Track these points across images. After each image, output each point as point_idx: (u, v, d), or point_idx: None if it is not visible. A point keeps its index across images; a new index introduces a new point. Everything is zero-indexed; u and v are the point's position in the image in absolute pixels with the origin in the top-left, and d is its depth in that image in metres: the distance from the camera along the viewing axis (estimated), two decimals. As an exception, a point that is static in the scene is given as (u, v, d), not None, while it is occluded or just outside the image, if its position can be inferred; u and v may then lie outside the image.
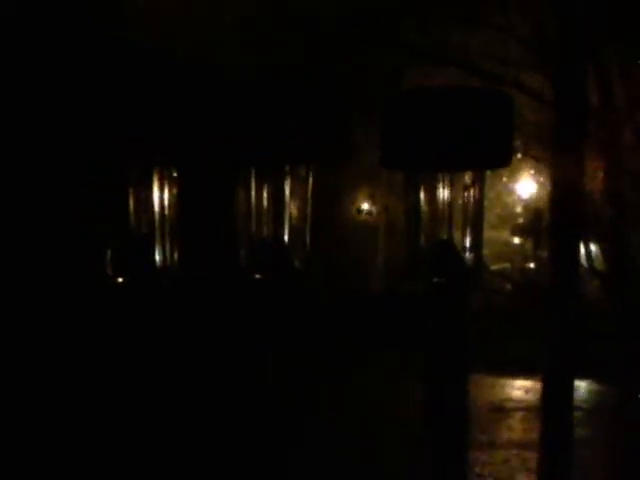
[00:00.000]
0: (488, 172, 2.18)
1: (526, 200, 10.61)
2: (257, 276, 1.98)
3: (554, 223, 5.33)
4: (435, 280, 2.01)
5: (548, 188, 10.63)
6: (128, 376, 1.93)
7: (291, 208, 2.03)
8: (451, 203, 2.09)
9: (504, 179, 10.28)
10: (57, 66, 2.08)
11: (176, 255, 2.01)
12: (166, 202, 2.03)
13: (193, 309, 1.96)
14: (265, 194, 2.03)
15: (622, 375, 7.82)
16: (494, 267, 10.03)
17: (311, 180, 2.08)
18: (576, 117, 5.15)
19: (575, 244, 5.46)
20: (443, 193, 2.11)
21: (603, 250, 8.91)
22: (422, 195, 2.11)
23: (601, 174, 8.40)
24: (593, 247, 9.02)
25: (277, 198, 2.03)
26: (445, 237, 2.06)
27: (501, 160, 2.09)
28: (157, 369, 1.95)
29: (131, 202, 1.98)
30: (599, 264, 8.84)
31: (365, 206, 8.84)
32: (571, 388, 5.29)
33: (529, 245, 10.72)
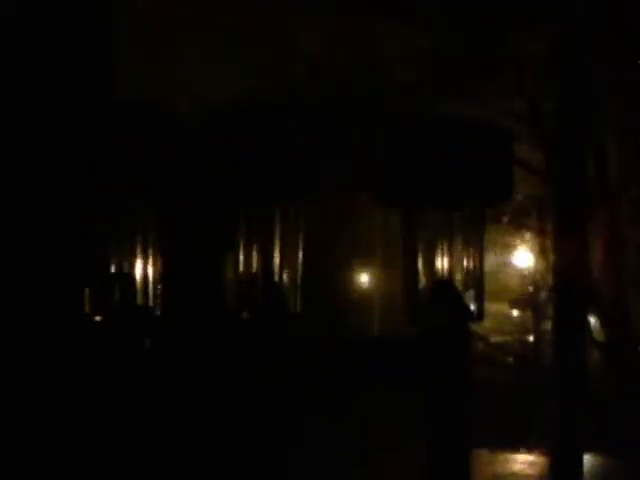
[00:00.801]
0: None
1: (523, 272, 10.52)
2: (245, 315, 1.86)
3: (559, 301, 5.26)
4: (435, 322, 1.89)
5: (544, 259, 10.60)
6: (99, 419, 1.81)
7: (283, 249, 1.93)
8: (450, 245, 1.99)
9: (499, 250, 10.22)
10: (56, 66, 2.01)
11: (159, 294, 1.90)
12: (149, 242, 1.93)
13: (175, 351, 1.85)
14: (256, 234, 1.93)
15: (624, 448, 7.65)
16: (495, 339, 9.89)
17: (303, 221, 1.98)
18: (577, 195, 5.11)
19: (581, 321, 5.39)
20: (441, 235, 2.01)
21: (602, 321, 8.81)
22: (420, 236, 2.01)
23: (600, 246, 8.35)
24: (592, 318, 8.92)
25: (268, 237, 1.93)
26: (445, 278, 1.95)
27: (501, 196, 2.00)
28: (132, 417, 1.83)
29: (113, 239, 1.89)
30: (597, 334, 8.74)
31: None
32: (580, 463, 5.16)
33: (528, 317, 10.58)
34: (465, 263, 1.96)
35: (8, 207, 1.97)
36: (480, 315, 1.95)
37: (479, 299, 1.95)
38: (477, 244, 1.99)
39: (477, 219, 2.01)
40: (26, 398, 1.77)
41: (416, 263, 1.94)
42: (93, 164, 1.91)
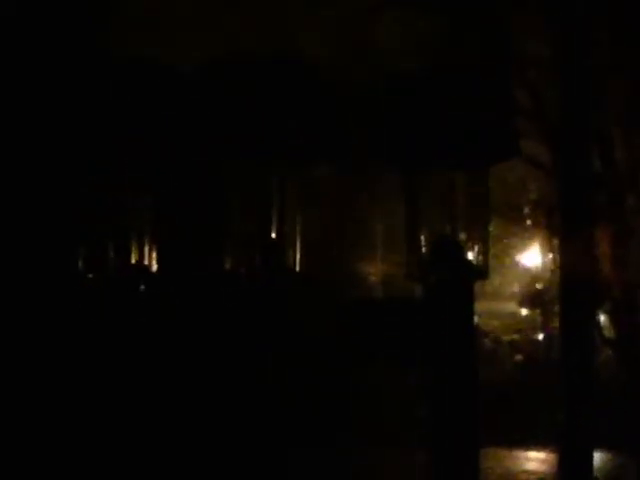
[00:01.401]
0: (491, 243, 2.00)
1: (533, 271, 10.45)
2: (243, 273, 1.82)
3: (565, 298, 5.18)
4: (437, 277, 1.83)
5: (554, 258, 10.51)
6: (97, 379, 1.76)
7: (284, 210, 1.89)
8: (454, 205, 1.94)
9: (509, 250, 10.14)
10: (56, 65, 1.98)
11: (154, 255, 1.85)
12: (146, 203, 1.89)
13: (173, 307, 1.81)
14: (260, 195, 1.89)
15: (634, 444, 7.57)
16: (505, 338, 9.84)
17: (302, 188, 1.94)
18: (583, 190, 5.05)
19: (588, 317, 5.32)
20: (445, 194, 1.95)
21: (612, 318, 8.72)
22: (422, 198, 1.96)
23: (608, 240, 8.26)
24: (602, 316, 8.84)
25: (265, 200, 1.89)
26: (447, 235, 1.90)
27: (504, 151, 1.95)
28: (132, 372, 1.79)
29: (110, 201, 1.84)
30: (608, 332, 8.65)
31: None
32: (590, 460, 5.10)
33: (537, 316, 10.52)
34: (469, 222, 1.91)
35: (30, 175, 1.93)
36: (484, 273, 1.89)
37: (484, 257, 1.89)
38: (481, 203, 1.94)
39: (480, 178, 1.96)
40: (23, 355, 1.73)
41: (417, 222, 1.89)
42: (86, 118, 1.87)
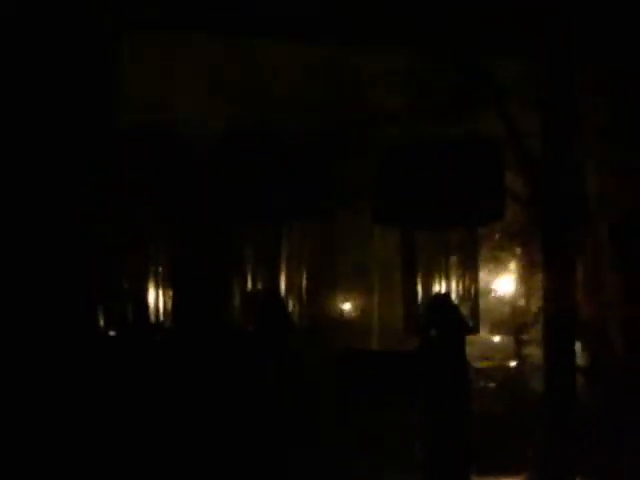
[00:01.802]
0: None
1: (504, 297, 10.61)
2: (250, 329, 1.95)
3: (548, 326, 5.31)
4: (433, 333, 1.99)
5: (525, 284, 10.64)
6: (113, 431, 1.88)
7: (287, 262, 2.02)
8: (447, 262, 2.08)
9: (480, 275, 10.27)
10: (56, 65, 2.09)
11: (169, 307, 1.99)
12: (160, 259, 2.02)
13: (185, 362, 1.94)
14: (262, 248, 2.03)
15: (608, 472, 7.69)
16: (477, 365, 9.94)
17: (307, 235, 2.08)
18: (564, 221, 5.19)
19: (571, 349, 5.44)
20: (438, 252, 2.10)
21: (583, 344, 8.87)
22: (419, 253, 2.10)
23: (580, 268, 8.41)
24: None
25: (273, 252, 2.02)
26: (442, 292, 2.05)
27: (493, 214, 2.10)
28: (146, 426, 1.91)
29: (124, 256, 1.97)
30: (579, 359, 8.78)
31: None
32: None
33: (510, 343, 10.66)
34: (461, 279, 2.06)
35: (21, 224, 2.05)
36: (476, 327, 2.04)
37: (474, 313, 2.05)
38: (471, 261, 2.09)
39: (471, 237, 2.11)
40: (40, 409, 1.84)
41: (415, 278, 2.04)
42: (102, 178, 1.99)
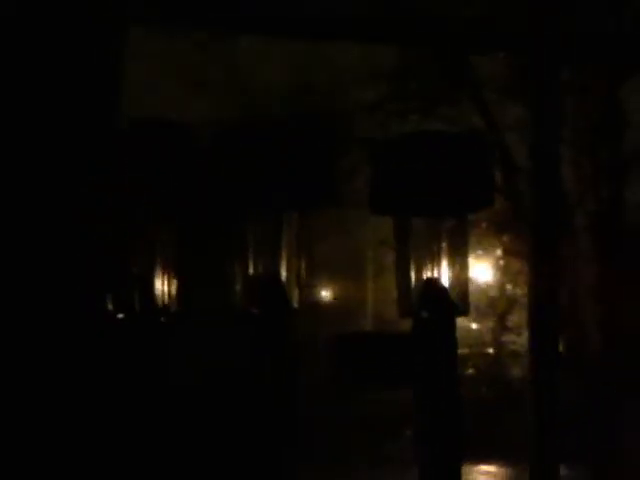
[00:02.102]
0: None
1: (482, 285, 10.77)
2: (253, 311, 2.05)
3: (533, 316, 5.44)
4: (424, 315, 2.09)
5: (502, 272, 10.81)
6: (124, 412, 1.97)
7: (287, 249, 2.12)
8: (438, 248, 2.18)
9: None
10: (56, 66, 2.15)
11: (173, 292, 2.08)
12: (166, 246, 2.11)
13: (191, 344, 2.03)
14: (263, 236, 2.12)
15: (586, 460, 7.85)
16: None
17: (305, 222, 2.17)
18: (550, 211, 5.32)
19: (554, 338, 5.58)
20: (430, 238, 2.20)
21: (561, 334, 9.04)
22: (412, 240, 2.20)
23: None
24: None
25: (274, 239, 2.12)
26: (433, 277, 2.15)
27: (484, 201, 2.20)
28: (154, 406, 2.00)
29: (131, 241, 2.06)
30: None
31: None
32: (558, 474, 5.34)
33: (487, 330, 10.84)
34: (451, 264, 2.16)
35: (27, 210, 2.12)
36: (465, 310, 2.15)
37: (464, 296, 2.16)
38: (462, 247, 2.20)
39: (461, 224, 2.21)
40: (51, 389, 1.92)
41: (408, 264, 2.14)
42: (102, 168, 2.07)
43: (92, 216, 2.05)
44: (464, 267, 2.19)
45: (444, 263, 2.17)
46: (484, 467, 9.04)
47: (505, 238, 9.45)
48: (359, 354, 2.10)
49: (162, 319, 2.03)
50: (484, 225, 8.83)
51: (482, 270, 10.80)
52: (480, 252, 10.02)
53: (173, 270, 2.07)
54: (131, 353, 1.97)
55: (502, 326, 10.49)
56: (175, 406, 2.00)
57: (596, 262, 8.33)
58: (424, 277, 2.15)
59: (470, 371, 10.06)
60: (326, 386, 2.19)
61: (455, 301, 2.13)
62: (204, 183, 2.07)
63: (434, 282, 2.13)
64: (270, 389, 2.06)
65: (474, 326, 11.01)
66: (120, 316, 2.00)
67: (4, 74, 2.22)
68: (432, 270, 2.15)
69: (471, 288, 2.30)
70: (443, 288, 2.13)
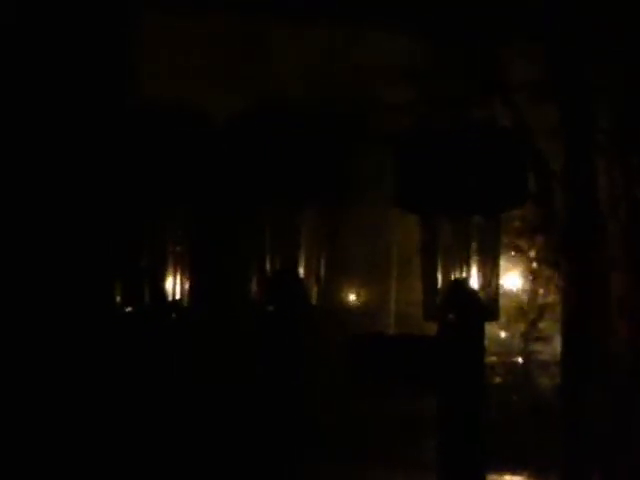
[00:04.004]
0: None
1: (512, 293, 10.61)
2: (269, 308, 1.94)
3: (567, 325, 5.31)
4: (451, 319, 1.97)
5: (532, 281, 10.62)
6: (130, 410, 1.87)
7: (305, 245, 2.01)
8: (468, 248, 2.06)
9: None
10: (58, 68, 2.10)
11: (186, 287, 1.97)
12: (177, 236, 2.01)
13: (203, 342, 1.94)
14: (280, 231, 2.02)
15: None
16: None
17: (324, 218, 2.06)
18: (586, 220, 5.17)
19: (588, 346, 5.44)
20: (459, 238, 2.08)
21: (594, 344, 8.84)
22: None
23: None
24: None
25: (291, 235, 2.01)
26: (461, 278, 2.03)
27: (516, 200, 2.08)
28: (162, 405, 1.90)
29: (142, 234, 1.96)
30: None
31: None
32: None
33: (515, 339, 10.67)
34: (481, 265, 2.04)
35: (33, 203, 2.05)
36: (495, 314, 2.03)
37: (494, 299, 2.03)
38: (493, 248, 2.07)
39: (492, 224, 2.09)
40: (55, 388, 1.84)
41: (435, 264, 2.02)
42: (119, 164, 1.98)
43: (101, 205, 1.96)
44: (495, 269, 2.07)
45: (473, 264, 2.05)
46: (508, 478, 8.88)
47: (537, 242, 9.29)
48: (374, 355, 1.98)
49: (173, 314, 1.93)
50: (517, 225, 8.67)
51: (512, 274, 10.64)
52: (511, 255, 9.84)
53: (186, 264, 1.96)
54: (138, 349, 1.87)
55: (532, 334, 10.31)
56: (182, 404, 1.90)
57: (627, 272, 8.12)
58: (452, 278, 2.03)
59: (498, 379, 9.90)
60: (345, 385, 2.08)
61: (484, 305, 2.01)
62: (220, 173, 1.96)
63: (462, 284, 2.01)
64: (278, 388, 1.95)
65: (502, 334, 10.85)
66: (128, 309, 1.90)
67: (14, 61, 2.16)
68: (460, 271, 2.03)
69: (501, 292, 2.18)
70: (472, 290, 2.00)
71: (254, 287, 1.98)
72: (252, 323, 1.94)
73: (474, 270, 2.03)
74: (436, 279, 2.02)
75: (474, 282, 2.03)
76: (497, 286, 2.06)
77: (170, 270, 1.95)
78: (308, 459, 1.95)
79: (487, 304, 2.01)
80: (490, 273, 2.05)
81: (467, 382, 1.99)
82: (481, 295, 2.02)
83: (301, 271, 1.99)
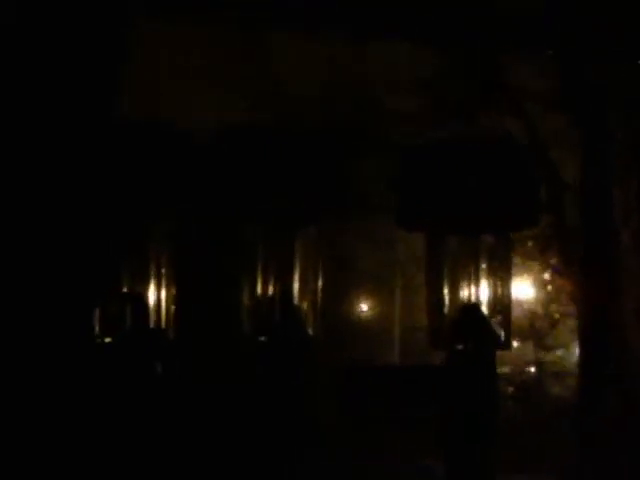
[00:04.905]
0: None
1: (522, 304, 10.46)
2: (262, 339, 1.79)
3: (584, 337, 5.20)
4: (460, 347, 1.82)
5: (544, 290, 10.48)
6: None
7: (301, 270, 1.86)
8: (477, 270, 1.91)
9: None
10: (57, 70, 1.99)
11: (172, 316, 1.82)
12: (162, 262, 1.86)
13: (189, 375, 1.79)
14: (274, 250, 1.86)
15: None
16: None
17: (322, 240, 1.91)
18: (604, 233, 5.05)
19: (604, 357, 5.33)
20: (467, 259, 1.92)
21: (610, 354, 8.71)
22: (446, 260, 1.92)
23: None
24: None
25: (286, 254, 1.86)
26: (471, 303, 1.87)
27: (526, 219, 1.92)
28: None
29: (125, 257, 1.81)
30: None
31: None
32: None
33: (527, 349, 10.52)
34: (492, 289, 1.89)
35: (15, 220, 1.92)
36: (507, 343, 1.87)
37: (506, 326, 1.87)
38: (504, 270, 1.92)
39: (503, 244, 1.93)
40: (32, 418, 1.71)
41: (441, 286, 1.87)
42: (103, 181, 1.84)
43: (88, 214, 1.82)
44: (506, 292, 1.91)
45: (483, 287, 1.89)
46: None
47: (550, 255, 9.14)
48: (365, 391, 1.83)
49: (156, 344, 1.77)
50: (530, 244, 8.53)
51: (524, 288, 10.49)
52: (523, 269, 9.71)
53: (172, 289, 1.82)
54: (117, 385, 1.72)
55: (545, 345, 10.16)
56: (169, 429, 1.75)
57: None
58: (460, 303, 1.87)
59: (510, 389, 9.75)
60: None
61: (496, 332, 1.85)
62: (210, 187, 1.81)
63: (473, 310, 1.85)
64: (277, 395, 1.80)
65: (514, 344, 10.71)
66: (107, 340, 1.75)
67: (14, 61, 2.06)
68: (469, 295, 1.87)
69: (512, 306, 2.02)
70: (484, 317, 1.84)
71: (245, 316, 1.83)
72: (242, 355, 1.79)
73: (484, 293, 1.88)
74: (443, 304, 1.86)
75: (484, 307, 1.88)
76: (509, 311, 1.90)
77: (154, 296, 1.80)
78: (308, 459, 1.82)
79: (499, 332, 1.86)
80: (501, 296, 1.89)
81: (478, 417, 1.84)
82: (492, 320, 1.86)
83: (297, 296, 1.83)
